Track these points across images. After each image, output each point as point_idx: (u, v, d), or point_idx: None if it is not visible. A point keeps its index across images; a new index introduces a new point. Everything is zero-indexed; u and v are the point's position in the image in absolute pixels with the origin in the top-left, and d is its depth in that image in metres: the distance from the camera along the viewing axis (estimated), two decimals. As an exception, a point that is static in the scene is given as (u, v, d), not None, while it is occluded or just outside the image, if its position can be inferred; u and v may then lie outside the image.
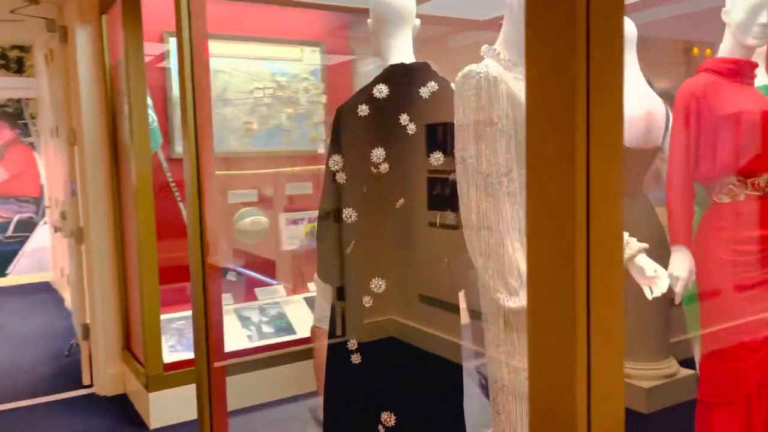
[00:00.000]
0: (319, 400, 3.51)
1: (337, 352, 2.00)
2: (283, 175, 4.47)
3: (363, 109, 1.83)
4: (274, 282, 4.47)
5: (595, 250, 0.77)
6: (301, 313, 4.21)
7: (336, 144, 1.87)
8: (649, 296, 1.71)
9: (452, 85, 1.97)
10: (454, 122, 1.63)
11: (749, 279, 2.00)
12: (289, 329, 4.12)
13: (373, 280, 1.88)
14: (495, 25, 5.00)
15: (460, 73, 1.61)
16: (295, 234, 4.48)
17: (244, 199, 4.22)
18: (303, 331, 4.00)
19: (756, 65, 2.06)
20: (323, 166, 4.73)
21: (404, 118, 1.85)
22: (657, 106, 2.33)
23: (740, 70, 2.05)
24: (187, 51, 2.22)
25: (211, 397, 2.38)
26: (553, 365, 0.81)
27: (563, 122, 0.75)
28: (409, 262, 1.90)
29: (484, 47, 1.73)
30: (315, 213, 4.55)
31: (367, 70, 4.83)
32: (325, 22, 4.63)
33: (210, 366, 2.39)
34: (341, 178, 1.86)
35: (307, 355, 3.73)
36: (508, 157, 1.58)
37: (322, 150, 4.52)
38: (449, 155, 1.93)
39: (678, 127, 2.05)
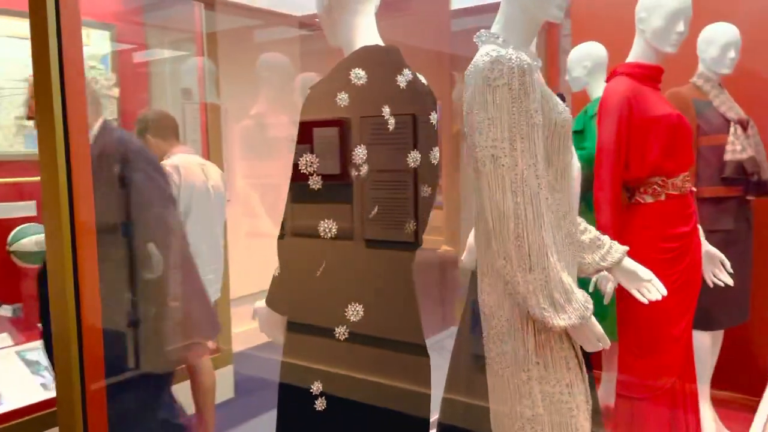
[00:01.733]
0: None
1: (294, 399, 1.61)
2: (69, 183, 3.67)
3: (343, 98, 1.49)
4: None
5: None
6: (107, 349, 3.49)
7: (308, 140, 1.49)
8: (644, 301, 1.67)
9: (421, 77, 1.72)
10: (475, 115, 1.40)
11: (671, 274, 2.09)
12: (94, 369, 3.38)
13: (349, 306, 1.55)
14: (312, 22, 4.79)
15: (485, 59, 1.38)
16: (87, 253, 3.72)
17: (19, 212, 3.38)
18: (114, 369, 3.30)
19: (663, 71, 2.18)
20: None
21: (386, 111, 1.55)
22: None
23: (653, 75, 2.15)
24: (53, 34, 1.65)
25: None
26: None
27: None
28: (388, 283, 1.61)
29: (482, 33, 1.52)
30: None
31: (164, 58, 4.25)
32: (115, 2, 3.92)
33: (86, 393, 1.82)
34: (316, 183, 1.49)
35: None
36: (542, 155, 1.40)
37: (116, 152, 3.82)
38: (424, 155, 1.68)
39: (608, 129, 2.08)
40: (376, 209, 1.59)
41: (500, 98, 1.36)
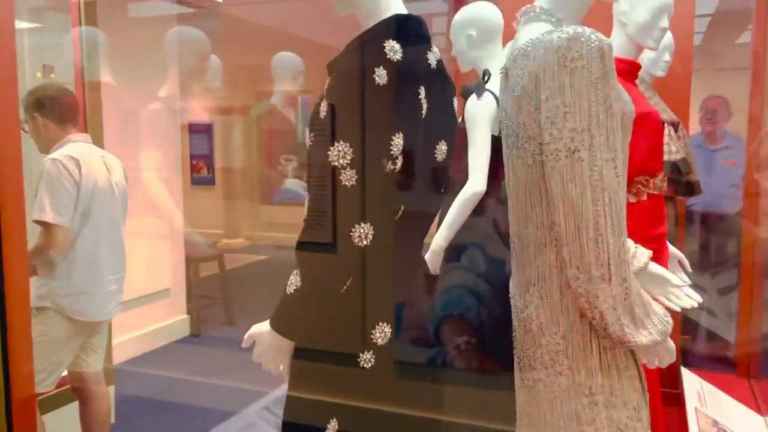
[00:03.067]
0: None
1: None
2: None
3: (381, 75, 1.21)
4: None
5: None
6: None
7: (339, 125, 1.19)
8: (677, 309, 1.56)
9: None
10: (544, 102, 1.19)
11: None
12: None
13: (377, 327, 1.28)
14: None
15: (561, 36, 1.18)
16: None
17: None
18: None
19: (641, 66, 2.12)
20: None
21: (422, 93, 1.30)
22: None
23: (633, 71, 2.07)
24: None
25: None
26: None
27: None
28: (415, 298, 1.36)
29: (530, 7, 1.33)
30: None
31: (40, 26, 3.61)
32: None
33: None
34: (349, 178, 1.20)
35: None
36: (621, 150, 1.23)
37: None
38: (449, 148, 1.45)
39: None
40: (402, 210, 1.33)
41: (579, 82, 1.18)
